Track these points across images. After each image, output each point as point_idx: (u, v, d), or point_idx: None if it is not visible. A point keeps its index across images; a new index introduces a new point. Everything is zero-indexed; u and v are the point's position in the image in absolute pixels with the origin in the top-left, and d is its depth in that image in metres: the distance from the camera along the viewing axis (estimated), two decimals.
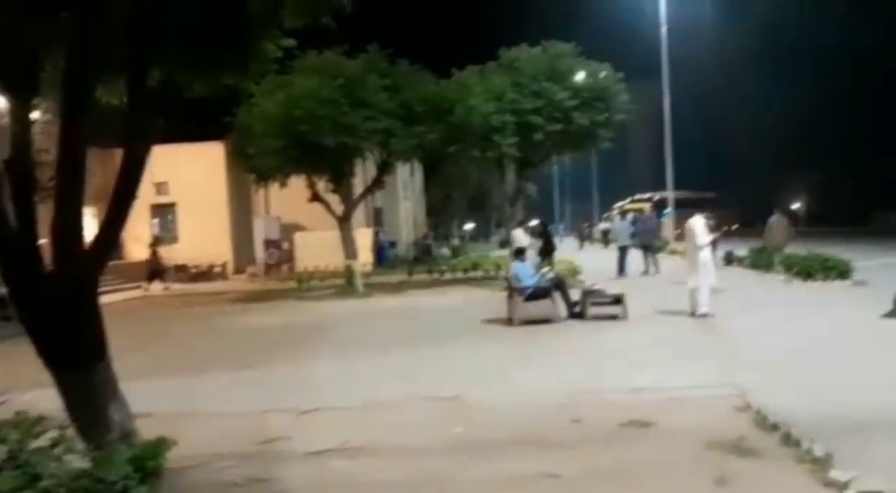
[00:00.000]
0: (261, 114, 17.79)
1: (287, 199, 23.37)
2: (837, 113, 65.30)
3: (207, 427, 5.93)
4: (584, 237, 44.52)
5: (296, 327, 12.47)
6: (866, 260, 16.21)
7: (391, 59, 18.93)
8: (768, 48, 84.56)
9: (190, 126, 20.24)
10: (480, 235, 67.30)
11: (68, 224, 4.61)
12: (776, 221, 17.83)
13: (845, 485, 3.96)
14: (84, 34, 4.51)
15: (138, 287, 22.99)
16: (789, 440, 4.77)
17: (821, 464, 4.29)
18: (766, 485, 4.10)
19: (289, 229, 28.29)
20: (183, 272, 26.22)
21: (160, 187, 27.97)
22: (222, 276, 26.58)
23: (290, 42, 6.11)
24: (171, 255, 27.73)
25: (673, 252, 23.96)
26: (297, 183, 20.29)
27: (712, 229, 11.76)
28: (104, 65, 4.93)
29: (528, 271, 11.73)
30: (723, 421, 5.36)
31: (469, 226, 67.29)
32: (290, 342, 10.74)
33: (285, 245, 27.77)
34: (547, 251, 20.99)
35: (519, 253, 12.57)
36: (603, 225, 46.11)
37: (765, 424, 5.20)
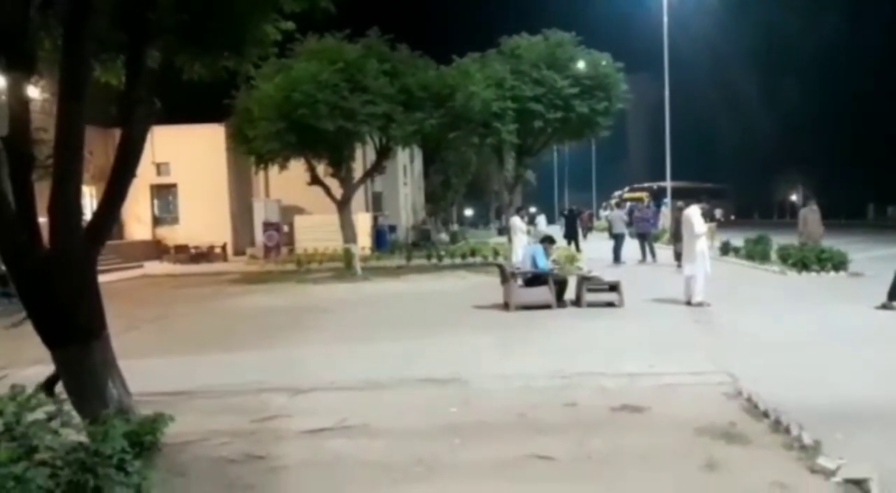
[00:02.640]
0: (260, 97, 17.76)
1: (287, 182, 23.40)
2: (833, 108, 65.46)
3: (205, 405, 6.00)
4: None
5: (294, 309, 12.53)
6: (861, 252, 16.25)
7: (391, 44, 18.91)
8: (766, 44, 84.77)
9: (192, 107, 20.22)
10: (479, 221, 67.38)
11: (66, 203, 4.64)
12: (808, 212, 16.73)
13: (833, 472, 4.01)
14: (80, 14, 4.51)
15: (139, 267, 23.08)
16: (779, 428, 4.84)
17: (809, 451, 4.35)
18: (753, 471, 4.15)
19: (288, 212, 28.32)
20: (183, 253, 26.29)
21: (161, 168, 28.02)
22: (222, 257, 26.67)
23: (290, 25, 6.12)
24: (172, 235, 27.87)
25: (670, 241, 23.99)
26: (297, 166, 20.31)
27: (710, 219, 11.79)
28: (102, 45, 4.95)
29: (544, 256, 11.75)
30: (714, 408, 5.43)
31: (468, 212, 67.35)
32: (288, 324, 10.79)
33: (285, 228, 27.80)
34: (571, 236, 21.78)
35: (547, 240, 12.61)
36: (604, 213, 46.12)
37: (755, 411, 5.27)
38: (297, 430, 5.24)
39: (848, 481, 3.91)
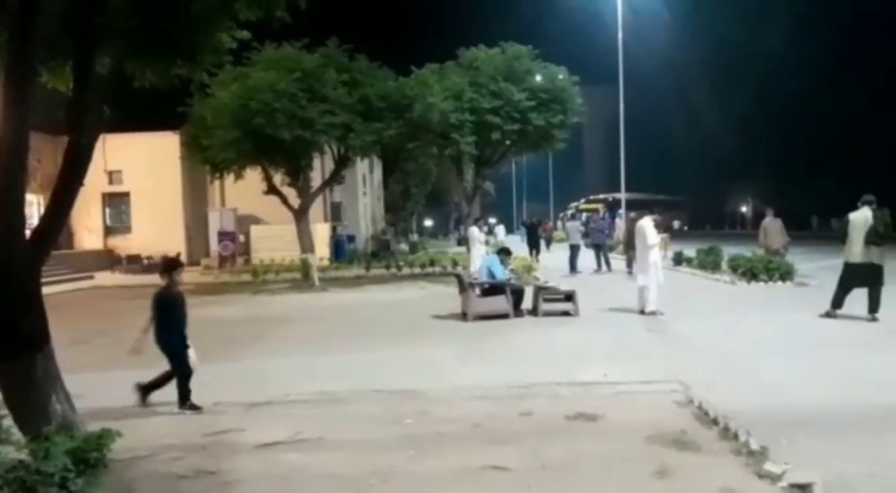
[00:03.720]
0: (215, 105, 17.52)
1: (243, 191, 23.10)
2: (781, 122, 67.79)
3: (156, 420, 5.87)
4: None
5: (250, 321, 12.34)
6: (807, 263, 16.79)
7: (350, 54, 18.88)
8: (718, 57, 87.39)
9: (146, 115, 19.83)
10: (439, 231, 67.49)
11: (10, 211, 4.51)
12: (771, 222, 16.72)
13: (779, 477, 4.12)
14: (26, 16, 4.40)
15: (90, 277, 22.45)
16: (728, 434, 4.95)
17: (756, 457, 4.46)
18: (702, 477, 4.23)
19: (245, 222, 27.93)
20: (136, 263, 25.68)
21: (113, 176, 27.40)
22: None
23: (245, 34, 6.07)
24: (125, 245, 27.20)
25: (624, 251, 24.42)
26: (254, 175, 20.07)
27: (664, 230, 12.05)
28: (50, 50, 4.83)
29: (501, 267, 11.83)
30: (666, 415, 5.53)
31: (428, 222, 67.42)
32: (244, 336, 10.62)
33: (241, 238, 27.42)
34: (533, 245, 22.06)
35: (504, 251, 12.68)
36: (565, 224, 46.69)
37: (705, 418, 5.38)
38: (251, 444, 5.15)
39: (793, 486, 4.01)
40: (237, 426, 5.59)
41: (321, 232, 25.61)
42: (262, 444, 5.12)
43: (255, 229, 27.30)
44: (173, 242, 26.95)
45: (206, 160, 19.67)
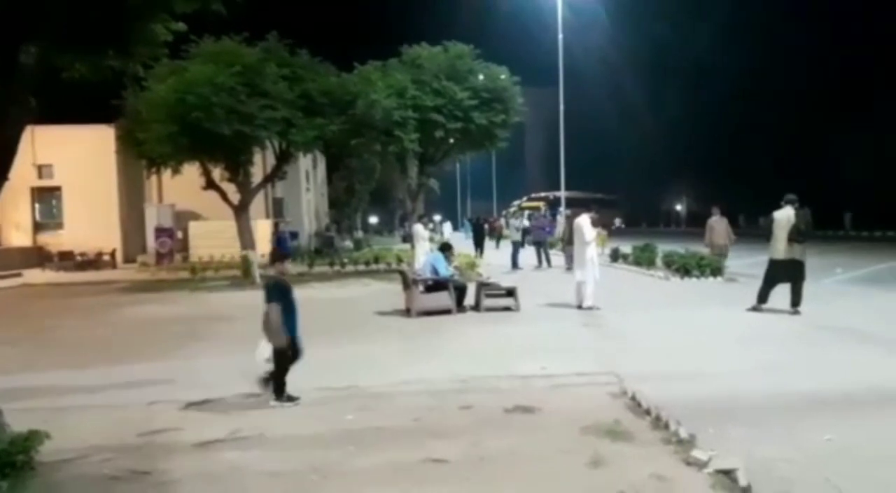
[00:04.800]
0: (151, 99, 17.05)
1: (182, 186, 22.55)
2: (710, 122, 70.12)
3: (88, 421, 5.70)
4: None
5: (188, 319, 12.07)
6: (736, 259, 17.46)
7: (291, 49, 18.63)
8: (653, 57, 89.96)
9: (79, 107, 19.14)
10: (384, 228, 67.29)
11: None
12: (717, 221, 16.68)
13: (705, 464, 4.33)
14: None
15: (17, 275, 21.53)
16: (659, 424, 5.15)
17: (685, 445, 4.67)
18: (634, 466, 4.40)
19: (183, 218, 27.23)
20: (68, 260, 24.70)
21: (43, 170, 26.32)
22: (111, 265, 25.26)
23: (181, 26, 5.94)
24: (56, 241, 26.15)
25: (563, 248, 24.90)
26: (193, 170, 19.62)
27: (604, 227, 12.35)
28: None
29: (444, 263, 11.91)
30: (601, 407, 5.70)
31: (373, 219, 67.13)
32: (182, 334, 10.39)
33: (179, 234, 26.72)
34: (478, 242, 22.33)
35: (447, 248, 12.75)
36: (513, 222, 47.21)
37: (638, 409, 5.58)
38: (188, 443, 5.07)
39: (718, 471, 4.21)
40: (173, 426, 5.49)
41: (262, 228, 25.19)
42: (200, 443, 5.06)
43: (193, 226, 26.66)
44: (108, 239, 26.08)
45: (142, 155, 19.11)
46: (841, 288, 14.34)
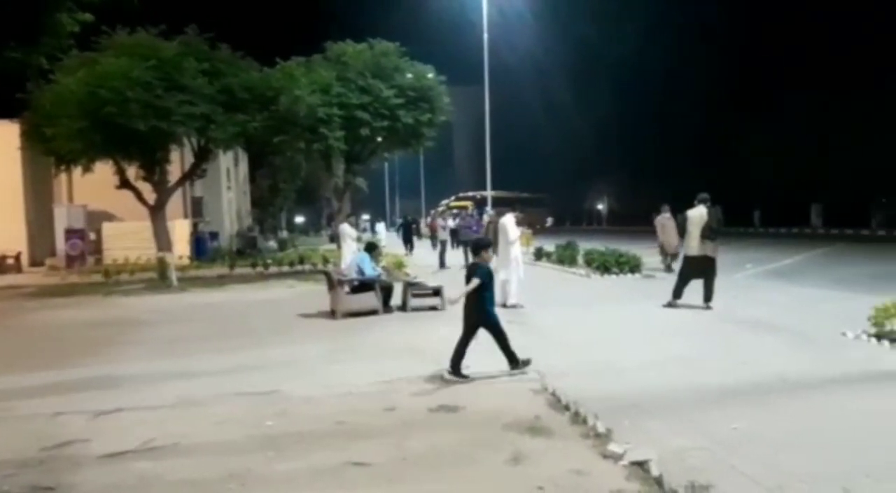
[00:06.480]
0: (60, 92, 16.15)
1: (94, 185, 21.50)
2: (632, 123, 72.40)
3: None
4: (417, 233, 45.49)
5: (101, 324, 11.53)
6: (655, 256, 18.09)
7: (211, 43, 18.04)
8: (577, 56, 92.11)
9: None
10: (311, 228, 66.31)
11: None
12: (665, 220, 16.75)
13: (620, 456, 4.46)
14: None
15: None
16: (578, 419, 5.28)
17: (602, 439, 4.80)
18: (553, 461, 4.48)
19: (95, 218, 26.05)
20: None
21: None
22: (16, 268, 23.89)
23: (88, 17, 5.68)
24: None
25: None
26: (106, 169, 18.73)
27: (529, 226, 12.55)
28: None
29: (370, 264, 11.83)
30: (522, 403, 5.79)
31: (299, 219, 66.01)
32: (94, 340, 9.92)
33: (91, 236, 25.55)
34: (408, 241, 22.46)
35: (372, 248, 12.65)
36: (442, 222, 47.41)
37: (558, 405, 5.70)
38: (96, 455, 4.84)
39: (633, 463, 4.35)
40: (81, 437, 5.23)
41: (180, 229, 24.41)
42: (109, 454, 4.83)
43: (106, 227, 25.58)
44: (13, 241, 24.67)
45: (49, 152, 18.09)
46: (751, 282, 15.10)
